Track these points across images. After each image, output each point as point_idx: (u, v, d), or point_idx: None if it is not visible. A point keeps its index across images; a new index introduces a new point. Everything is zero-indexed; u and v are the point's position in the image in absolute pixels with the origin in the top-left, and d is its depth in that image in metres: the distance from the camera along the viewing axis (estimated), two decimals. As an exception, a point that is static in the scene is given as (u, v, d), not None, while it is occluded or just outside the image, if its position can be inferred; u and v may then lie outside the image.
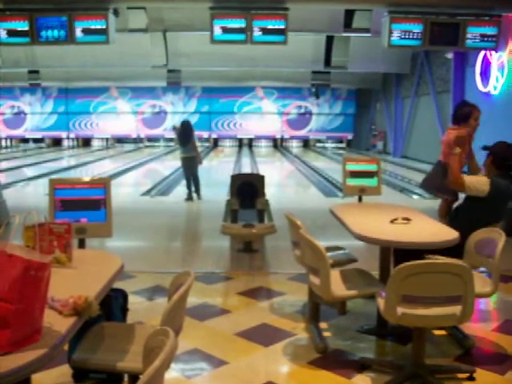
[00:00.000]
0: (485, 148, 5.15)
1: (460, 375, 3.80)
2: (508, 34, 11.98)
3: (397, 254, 4.49)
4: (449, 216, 5.51)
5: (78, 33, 9.18)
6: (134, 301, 4.84)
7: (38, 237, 2.81)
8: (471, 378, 3.72)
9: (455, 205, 6.08)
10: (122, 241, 7.67)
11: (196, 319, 4.76)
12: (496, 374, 3.80)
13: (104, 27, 9.14)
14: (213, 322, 4.79)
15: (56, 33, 9.18)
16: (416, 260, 3.33)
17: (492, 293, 4.01)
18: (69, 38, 9.21)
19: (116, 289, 3.58)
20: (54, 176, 14.43)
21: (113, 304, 3.52)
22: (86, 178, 4.63)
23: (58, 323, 2.18)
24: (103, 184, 4.23)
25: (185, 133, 11.62)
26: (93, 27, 9.16)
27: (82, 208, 4.14)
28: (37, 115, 30.94)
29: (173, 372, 3.75)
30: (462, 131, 5.82)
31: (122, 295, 3.72)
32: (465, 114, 6.22)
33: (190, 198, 11.35)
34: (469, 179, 4.86)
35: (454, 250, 4.09)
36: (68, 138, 31.13)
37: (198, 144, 12.43)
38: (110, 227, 4.23)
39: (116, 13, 9.78)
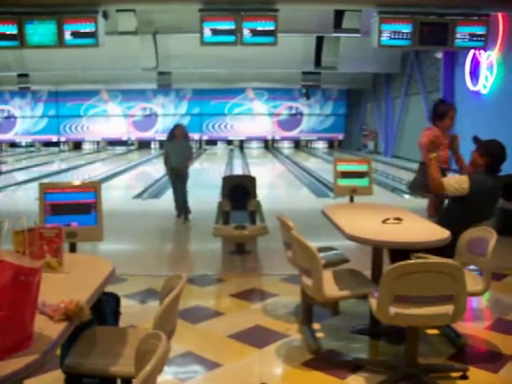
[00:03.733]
0: (476, 139, 5.15)
1: (453, 374, 3.81)
2: (496, 33, 12.04)
3: (392, 252, 4.51)
4: (438, 216, 5.53)
5: (68, 36, 9.14)
6: (126, 304, 4.82)
7: (27, 242, 2.79)
8: (464, 377, 3.73)
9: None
10: (114, 244, 7.64)
11: (189, 322, 4.75)
12: (489, 372, 3.81)
13: (93, 30, 9.11)
14: (206, 324, 4.78)
15: (45, 36, 9.14)
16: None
17: (484, 291, 4.02)
18: (58, 41, 9.18)
19: (108, 292, 3.56)
20: (44, 180, 14.37)
21: (105, 308, 3.50)
22: (77, 182, 4.61)
23: (49, 328, 2.16)
24: (93, 187, 4.21)
25: (187, 137, 9.92)
26: (82, 30, 9.12)
27: (72, 212, 4.11)
28: (27, 119, 30.82)
29: (166, 375, 3.73)
30: (432, 134, 5.84)
31: (114, 299, 3.70)
32: (441, 112, 6.27)
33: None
34: (447, 181, 4.89)
35: (444, 249, 4.11)
36: (59, 141, 31.02)
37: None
38: (100, 231, 4.21)
39: (105, 15, 9.76)
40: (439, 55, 16.22)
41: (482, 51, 12.72)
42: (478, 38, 9.44)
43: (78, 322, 2.36)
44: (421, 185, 6.12)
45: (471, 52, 13.44)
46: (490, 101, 12.94)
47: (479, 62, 13.34)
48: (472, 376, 3.74)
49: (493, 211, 5.04)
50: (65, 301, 2.32)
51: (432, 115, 6.44)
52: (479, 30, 9.42)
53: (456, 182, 4.81)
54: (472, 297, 4.63)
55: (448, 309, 3.36)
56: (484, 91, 13.23)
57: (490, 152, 4.88)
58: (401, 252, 4.11)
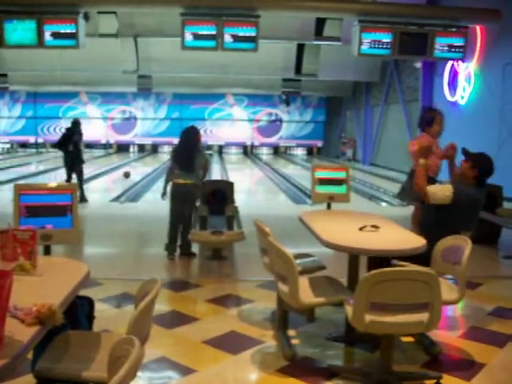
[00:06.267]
0: (465, 151, 5.21)
1: (427, 381, 3.82)
2: (474, 45, 12.21)
3: (370, 260, 4.54)
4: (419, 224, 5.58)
5: (47, 36, 9.09)
6: (101, 308, 4.78)
7: (0, 243, 2.75)
8: (438, 385, 3.76)
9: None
10: (90, 247, 7.59)
11: (164, 327, 4.71)
12: (462, 380, 3.83)
13: (74, 31, 9.06)
14: (181, 329, 4.75)
15: (25, 36, 9.07)
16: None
17: (459, 300, 4.05)
18: (38, 41, 9.12)
19: (82, 296, 3.52)
20: (21, 181, 14.21)
21: (78, 312, 3.46)
22: (53, 184, 4.56)
23: (19, 332, 2.13)
24: (70, 190, 4.17)
25: (188, 145, 7.20)
26: (62, 31, 9.08)
27: (47, 214, 4.07)
28: (4, 119, 30.46)
29: (140, 381, 3.70)
30: (423, 141, 5.88)
31: (88, 303, 3.66)
32: (428, 119, 6.33)
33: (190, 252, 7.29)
34: (431, 188, 4.93)
35: (421, 256, 4.14)
36: (36, 142, 30.68)
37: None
38: (76, 234, 4.17)
39: (86, 17, 9.71)
40: (418, 65, 16.38)
41: (460, 62, 12.89)
42: (457, 50, 9.57)
43: (51, 326, 2.33)
44: (409, 192, 6.16)
45: (450, 63, 13.60)
46: (468, 111, 13.09)
47: (457, 73, 13.50)
48: (445, 384, 3.77)
49: (474, 223, 5.05)
50: (37, 304, 2.29)
51: (420, 122, 6.50)
52: (458, 42, 9.56)
53: (440, 190, 4.87)
54: (447, 305, 4.68)
55: (423, 317, 3.38)
56: (462, 102, 13.38)
57: (481, 165, 4.94)
58: (379, 259, 4.14)
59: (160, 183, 10.59)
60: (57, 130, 30.43)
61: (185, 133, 7.31)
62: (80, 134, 12.04)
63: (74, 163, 11.65)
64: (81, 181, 11.71)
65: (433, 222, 4.93)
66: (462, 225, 4.84)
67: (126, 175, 16.34)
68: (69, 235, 4.17)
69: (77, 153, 11.73)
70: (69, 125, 12.01)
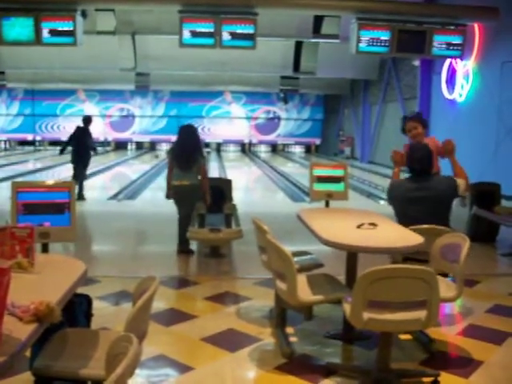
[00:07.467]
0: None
1: (425, 379, 3.83)
2: (472, 43, 12.21)
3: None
4: None
5: (45, 34, 9.07)
6: (99, 306, 4.77)
7: (-2, 241, 2.75)
8: (436, 382, 3.75)
9: None
10: (87, 245, 7.58)
11: (162, 324, 4.71)
12: (460, 378, 3.84)
13: (71, 29, 9.05)
14: (179, 327, 4.75)
15: (22, 33, 9.05)
16: None
17: (456, 297, 4.05)
18: (35, 38, 9.10)
19: (80, 294, 3.52)
20: (19, 179, 14.19)
21: (76, 310, 3.46)
22: (50, 181, 4.55)
23: (17, 330, 2.12)
24: (67, 187, 4.17)
25: (188, 144, 7.11)
26: (60, 29, 9.05)
27: (45, 212, 4.06)
28: (2, 117, 30.40)
29: (138, 378, 3.69)
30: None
31: (86, 300, 3.66)
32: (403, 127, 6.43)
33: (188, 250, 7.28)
34: None
35: None
36: (34, 140, 30.65)
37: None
38: (73, 231, 4.17)
39: (84, 14, 9.70)
40: (416, 63, 16.39)
41: (458, 60, 12.89)
42: (455, 47, 9.57)
43: (49, 324, 2.33)
44: None
45: (448, 60, 13.60)
46: (466, 109, 13.09)
47: (455, 71, 13.51)
48: (443, 381, 3.76)
49: (429, 217, 4.86)
50: (35, 302, 2.28)
51: None
52: (456, 40, 9.56)
53: None
54: (445, 303, 4.68)
55: (421, 314, 3.37)
56: (460, 100, 13.39)
57: (407, 154, 5.13)
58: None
59: (158, 181, 10.58)
60: (54, 127, 30.41)
61: (182, 131, 7.24)
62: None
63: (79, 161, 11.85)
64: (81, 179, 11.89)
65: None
66: (405, 219, 4.82)
67: (157, 156, 19.08)
68: (66, 233, 4.16)
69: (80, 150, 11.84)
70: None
